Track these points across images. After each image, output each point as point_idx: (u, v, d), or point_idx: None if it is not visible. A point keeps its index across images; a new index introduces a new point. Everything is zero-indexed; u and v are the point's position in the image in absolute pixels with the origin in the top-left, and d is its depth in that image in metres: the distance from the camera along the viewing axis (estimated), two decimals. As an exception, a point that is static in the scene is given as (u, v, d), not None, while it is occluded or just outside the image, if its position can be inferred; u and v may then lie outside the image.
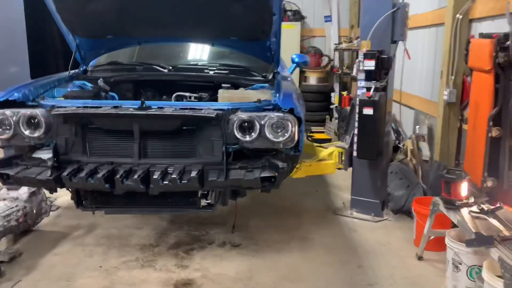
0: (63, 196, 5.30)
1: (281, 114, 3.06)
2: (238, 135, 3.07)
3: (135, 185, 2.96)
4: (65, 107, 3.18)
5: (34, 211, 4.28)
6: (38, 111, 3.12)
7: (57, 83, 3.83)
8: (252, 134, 3.06)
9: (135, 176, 2.95)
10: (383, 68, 4.36)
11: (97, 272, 3.66)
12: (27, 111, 3.13)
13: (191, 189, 3.14)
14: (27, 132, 3.13)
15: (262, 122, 3.04)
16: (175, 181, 2.95)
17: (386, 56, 4.35)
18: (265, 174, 3.07)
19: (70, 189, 3.28)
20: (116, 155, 3.18)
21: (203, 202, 3.29)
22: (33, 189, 4.29)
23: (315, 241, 4.23)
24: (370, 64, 4.31)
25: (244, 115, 3.06)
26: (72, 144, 3.17)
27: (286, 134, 3.05)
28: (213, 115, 3.03)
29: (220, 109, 3.11)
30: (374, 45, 4.43)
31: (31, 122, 3.13)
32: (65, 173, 2.99)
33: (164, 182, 2.97)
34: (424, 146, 5.35)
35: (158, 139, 3.16)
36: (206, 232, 4.39)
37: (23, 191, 4.25)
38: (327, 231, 4.48)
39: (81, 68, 4.23)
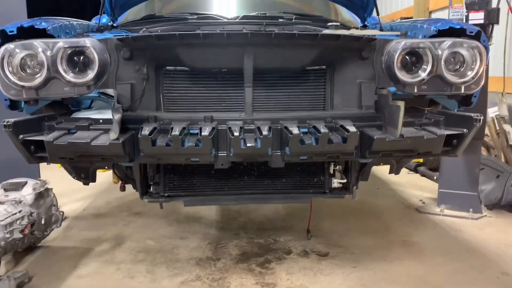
0: (68, 204, 4.16)
1: (466, 40, 2.03)
2: (399, 73, 2.02)
3: (262, 150, 1.81)
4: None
5: (43, 219, 3.11)
6: (88, 41, 1.96)
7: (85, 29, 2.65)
8: (424, 70, 2.01)
9: (265, 132, 1.80)
10: (490, 23, 3.47)
11: (150, 299, 2.55)
12: (71, 41, 1.95)
13: (344, 155, 1.99)
14: (69, 76, 1.94)
15: (439, 52, 2.00)
16: (325, 138, 1.81)
17: (494, 8, 3.47)
18: (452, 130, 2.03)
19: (132, 171, 2.14)
20: (211, 109, 2.07)
21: (335, 183, 2.18)
22: (39, 189, 3.13)
23: (422, 245, 3.23)
24: (478, 17, 3.41)
25: (409, 42, 2.01)
26: (142, 93, 2.03)
27: (470, 71, 2.04)
28: (375, 37, 1.98)
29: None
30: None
31: (75, 61, 1.98)
32: (145, 131, 1.82)
33: (307, 143, 1.81)
34: (508, 128, 4.50)
35: (272, 84, 2.08)
36: (273, 240, 3.33)
37: (27, 192, 3.07)
38: (427, 232, 3.50)
39: (109, 23, 3.09)
